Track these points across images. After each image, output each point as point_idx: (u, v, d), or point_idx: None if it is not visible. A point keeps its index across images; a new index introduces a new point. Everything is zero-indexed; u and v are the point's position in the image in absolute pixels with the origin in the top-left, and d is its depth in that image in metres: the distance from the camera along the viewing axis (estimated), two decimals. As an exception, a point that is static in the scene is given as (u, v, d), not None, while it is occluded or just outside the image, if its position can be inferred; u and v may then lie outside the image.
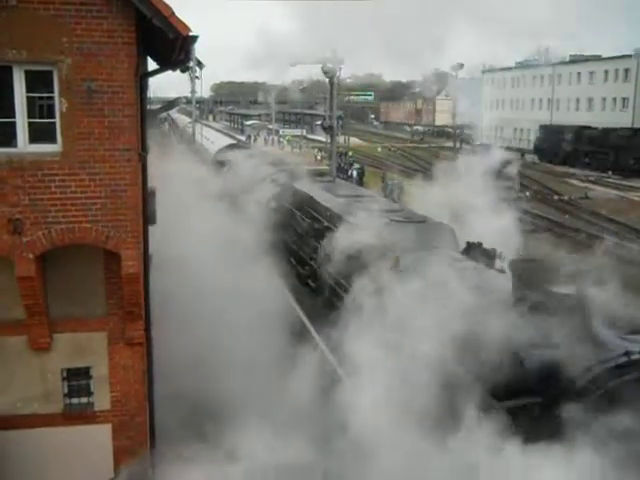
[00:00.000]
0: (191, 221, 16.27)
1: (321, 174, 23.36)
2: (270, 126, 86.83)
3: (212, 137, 49.12)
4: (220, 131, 68.35)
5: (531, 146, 70.22)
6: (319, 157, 61.19)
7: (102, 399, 9.46)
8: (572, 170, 56.13)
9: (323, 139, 49.66)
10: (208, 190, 20.46)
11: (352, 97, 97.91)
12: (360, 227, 13.24)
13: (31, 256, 8.29)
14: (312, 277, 15.73)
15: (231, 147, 37.22)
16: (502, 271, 11.27)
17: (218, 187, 21.97)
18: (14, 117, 8.10)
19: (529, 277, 9.11)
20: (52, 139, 8.21)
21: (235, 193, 22.32)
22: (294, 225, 18.75)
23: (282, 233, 19.13)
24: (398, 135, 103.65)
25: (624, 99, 66.93)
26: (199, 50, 43.76)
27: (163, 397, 10.51)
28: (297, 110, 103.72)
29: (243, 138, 72.50)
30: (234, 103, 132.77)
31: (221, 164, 30.40)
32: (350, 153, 55.69)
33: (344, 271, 12.99)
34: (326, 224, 15.69)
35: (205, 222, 16.68)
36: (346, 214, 14.90)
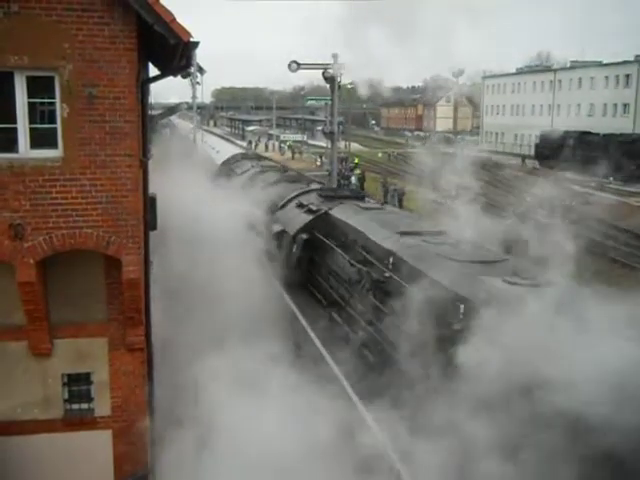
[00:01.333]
0: (196, 255, 13.94)
1: (360, 197, 18.29)
2: (271, 131, 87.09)
3: (216, 145, 45.32)
4: (224, 138, 66.18)
5: (532, 152, 70.28)
6: (319, 163, 61.46)
7: (102, 405, 9.43)
8: (573, 175, 56.11)
9: (324, 144, 49.73)
10: (215, 215, 16.47)
11: (312, 102, 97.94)
12: (453, 289, 9.36)
13: (32, 261, 8.28)
14: (371, 347, 11.59)
15: (239, 157, 32.20)
16: None
17: (227, 210, 17.41)
18: (15, 123, 8.10)
19: None
20: (53, 145, 8.21)
21: (250, 220, 17.60)
22: (336, 269, 14.61)
23: (318, 277, 15.27)
24: (399, 140, 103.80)
25: (625, 105, 67.03)
26: (200, 56, 43.81)
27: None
28: (298, 116, 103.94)
29: (244, 144, 72.60)
30: (235, 109, 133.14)
31: (228, 177, 25.90)
32: (356, 160, 55.48)
33: (431, 356, 8.82)
34: (388, 275, 11.68)
35: (215, 259, 14.09)
36: (423, 265, 10.77)
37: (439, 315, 9.20)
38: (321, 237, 15.73)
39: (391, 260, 11.84)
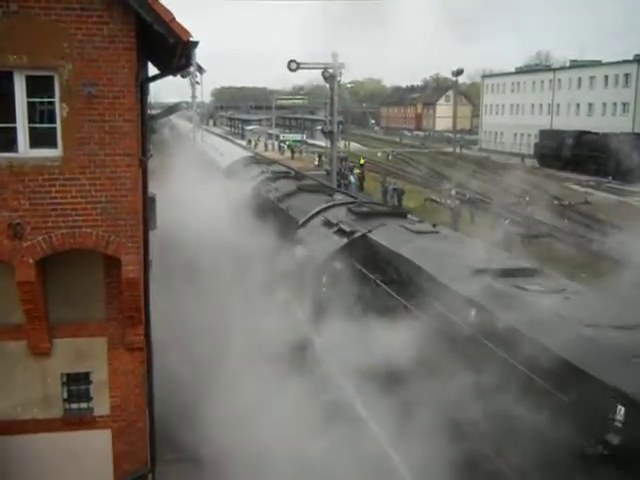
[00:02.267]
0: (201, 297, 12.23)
1: (402, 214, 14.86)
2: (270, 131, 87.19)
3: (218, 146, 41.49)
4: (226, 138, 63.66)
5: (531, 151, 70.35)
6: (316, 162, 61.66)
7: (102, 404, 9.43)
8: (572, 175, 56.17)
9: (323, 144, 49.79)
10: (221, 234, 14.25)
11: (283, 101, 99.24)
12: (600, 378, 6.34)
13: (31, 261, 8.28)
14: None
15: (247, 161, 28.57)
16: None
17: (232, 228, 14.90)
18: (15, 122, 8.09)
19: None
20: (53, 144, 8.21)
21: (264, 242, 14.79)
22: (388, 316, 10.74)
23: (361, 324, 10.74)
24: (398, 140, 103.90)
25: (624, 104, 67.11)
26: (199, 55, 43.85)
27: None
28: (297, 115, 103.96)
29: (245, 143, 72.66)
30: (234, 108, 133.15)
31: (235, 185, 22.38)
32: (362, 161, 55.63)
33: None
34: (470, 334, 8.41)
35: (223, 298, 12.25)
36: (536, 331, 7.36)
37: (576, 416, 6.29)
38: (360, 268, 12.22)
39: (473, 314, 8.48)
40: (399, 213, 15.16)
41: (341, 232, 13.68)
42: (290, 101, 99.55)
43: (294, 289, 13.15)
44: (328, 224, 14.56)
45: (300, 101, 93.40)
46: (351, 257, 12.62)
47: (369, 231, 13.10)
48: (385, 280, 11.44)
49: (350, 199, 17.73)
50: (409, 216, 14.88)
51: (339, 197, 17.97)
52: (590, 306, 7.99)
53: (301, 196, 18.35)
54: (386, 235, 12.70)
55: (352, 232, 13.37)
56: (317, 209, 15.90)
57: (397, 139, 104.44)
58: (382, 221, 13.70)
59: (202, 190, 17.23)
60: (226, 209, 16.36)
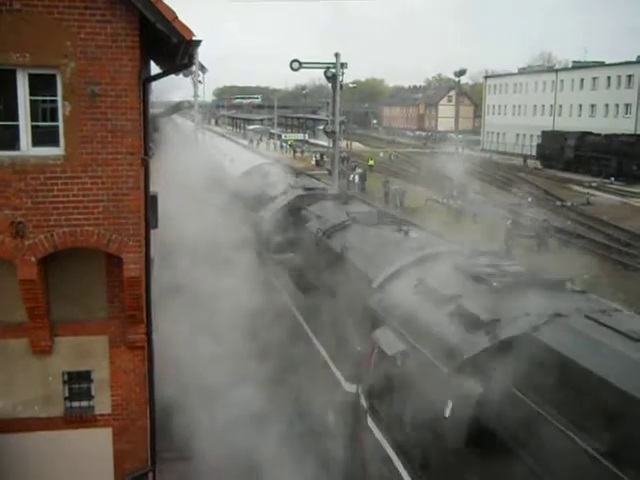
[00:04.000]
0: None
1: (553, 282, 8.29)
2: (272, 130, 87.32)
3: (225, 148, 35.69)
4: (234, 140, 59.11)
5: (533, 152, 70.35)
6: (313, 162, 61.93)
7: (103, 403, 9.44)
8: (574, 176, 56.16)
9: (325, 143, 49.74)
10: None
11: (237, 100, 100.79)
12: None
13: (33, 259, 8.28)
14: None
15: (264, 170, 21.64)
16: None
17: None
18: (17, 120, 8.09)
19: None
20: (55, 142, 8.21)
21: (312, 310, 11.07)
22: None
23: None
24: (400, 140, 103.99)
25: (627, 105, 67.08)
26: (202, 54, 43.89)
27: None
28: (300, 115, 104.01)
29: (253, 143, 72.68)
30: (236, 107, 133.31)
31: (254, 207, 17.39)
32: (371, 162, 55.90)
33: None
34: None
35: None
36: None
37: None
38: (532, 406, 6.16)
39: None
40: (551, 282, 8.46)
41: (469, 319, 7.61)
42: (247, 100, 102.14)
43: (385, 421, 8.02)
44: (432, 295, 8.64)
45: (256, 100, 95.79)
46: (505, 376, 6.61)
47: (535, 327, 6.98)
48: (604, 450, 5.38)
49: (451, 244, 10.82)
50: (567, 284, 8.49)
51: (418, 235, 11.52)
52: None
53: (361, 231, 12.30)
54: (574, 342, 6.55)
55: (493, 323, 7.36)
56: (403, 263, 9.98)
57: (399, 139, 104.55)
58: (536, 299, 7.71)
59: (213, 212, 13.67)
60: (250, 247, 12.82)
